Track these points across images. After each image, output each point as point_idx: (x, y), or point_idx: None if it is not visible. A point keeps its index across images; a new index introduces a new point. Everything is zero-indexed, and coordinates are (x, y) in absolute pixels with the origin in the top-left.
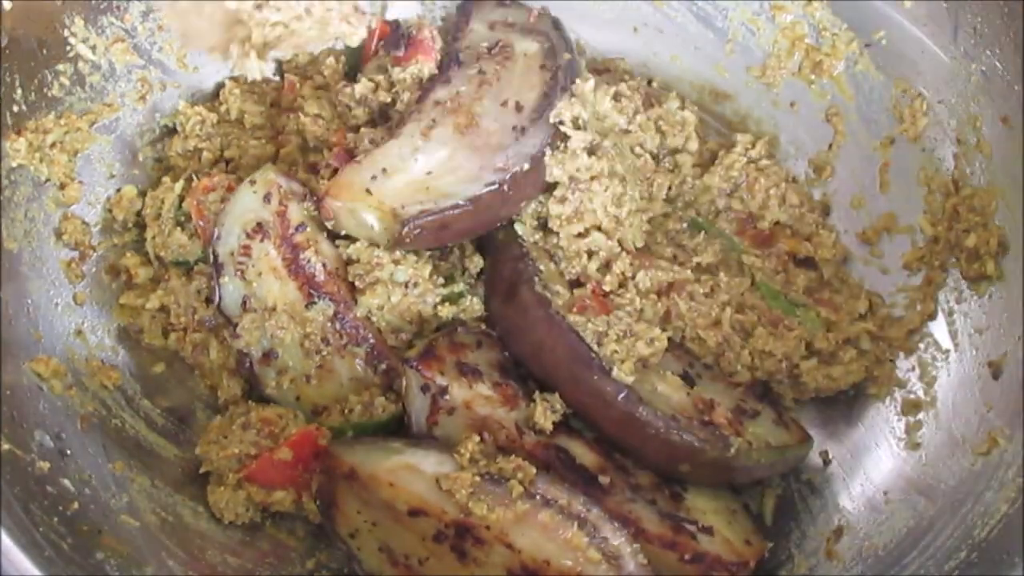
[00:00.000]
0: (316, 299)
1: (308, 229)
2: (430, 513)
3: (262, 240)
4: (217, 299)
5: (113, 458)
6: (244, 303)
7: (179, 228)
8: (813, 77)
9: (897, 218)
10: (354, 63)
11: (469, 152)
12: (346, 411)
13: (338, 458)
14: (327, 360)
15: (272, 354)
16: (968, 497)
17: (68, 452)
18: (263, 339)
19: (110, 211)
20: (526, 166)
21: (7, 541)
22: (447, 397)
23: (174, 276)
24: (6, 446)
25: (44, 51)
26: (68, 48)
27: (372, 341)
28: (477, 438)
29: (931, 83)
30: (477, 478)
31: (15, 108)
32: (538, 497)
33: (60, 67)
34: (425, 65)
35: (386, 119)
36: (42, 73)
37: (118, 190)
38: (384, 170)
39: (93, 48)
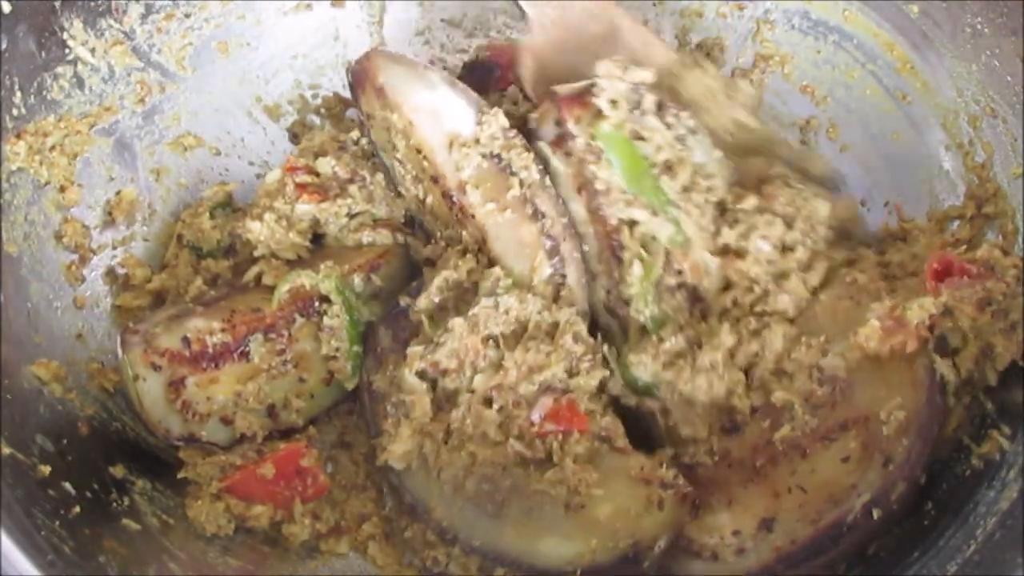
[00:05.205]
0: (246, 346)
1: (189, 338)
2: (431, 164)
3: (184, 383)
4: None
5: (114, 461)
6: (224, 421)
7: (209, 215)
8: None
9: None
10: None
11: None
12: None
13: (373, 71)
14: (297, 354)
15: (272, 409)
16: (968, 497)
17: (69, 456)
18: (257, 416)
19: (110, 214)
20: None
21: (9, 544)
22: (570, 144)
23: (184, 262)
24: (7, 450)
25: (43, 54)
26: (67, 51)
27: (302, 308)
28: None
29: (931, 83)
30: (484, 162)
31: (14, 111)
32: (529, 207)
33: (59, 70)
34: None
35: None
36: (41, 76)
37: (118, 192)
38: None
39: (92, 51)
